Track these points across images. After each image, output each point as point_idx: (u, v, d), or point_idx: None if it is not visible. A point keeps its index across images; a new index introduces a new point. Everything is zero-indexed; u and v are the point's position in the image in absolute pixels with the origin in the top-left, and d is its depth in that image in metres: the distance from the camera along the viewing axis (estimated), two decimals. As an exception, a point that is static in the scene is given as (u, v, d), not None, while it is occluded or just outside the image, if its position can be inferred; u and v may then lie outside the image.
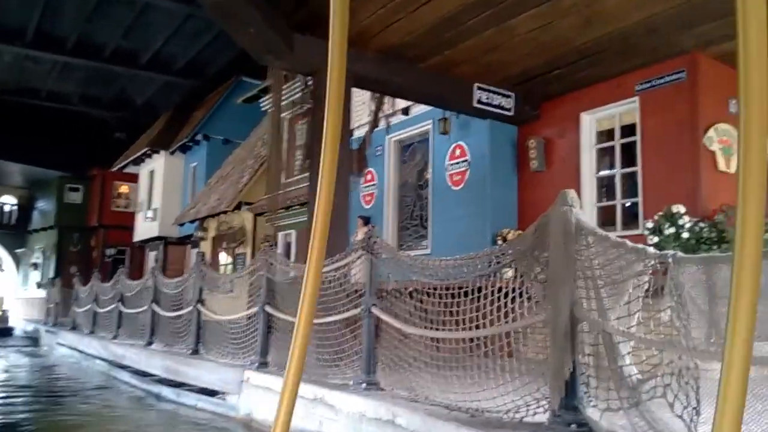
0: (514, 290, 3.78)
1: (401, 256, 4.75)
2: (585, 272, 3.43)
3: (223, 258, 15.33)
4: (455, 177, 9.11)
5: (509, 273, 7.30)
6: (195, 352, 7.97)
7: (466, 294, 4.07)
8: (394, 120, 9.88)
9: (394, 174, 10.55)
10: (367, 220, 9.94)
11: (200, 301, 8.07)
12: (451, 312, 4.22)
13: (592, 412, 3.32)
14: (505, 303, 3.84)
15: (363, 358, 5.00)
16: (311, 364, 5.69)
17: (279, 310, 6.35)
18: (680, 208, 6.33)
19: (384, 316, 4.88)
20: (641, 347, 3.10)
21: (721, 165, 6.91)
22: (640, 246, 3.16)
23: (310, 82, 7.50)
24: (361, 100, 8.85)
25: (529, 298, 3.73)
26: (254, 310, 6.65)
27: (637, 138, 7.47)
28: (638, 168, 7.42)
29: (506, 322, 3.86)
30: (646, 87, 7.37)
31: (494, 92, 8.09)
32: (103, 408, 7.52)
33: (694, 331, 2.88)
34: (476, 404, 3.87)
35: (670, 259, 2.94)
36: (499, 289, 3.88)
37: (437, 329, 4.35)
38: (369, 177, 10.97)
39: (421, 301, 4.46)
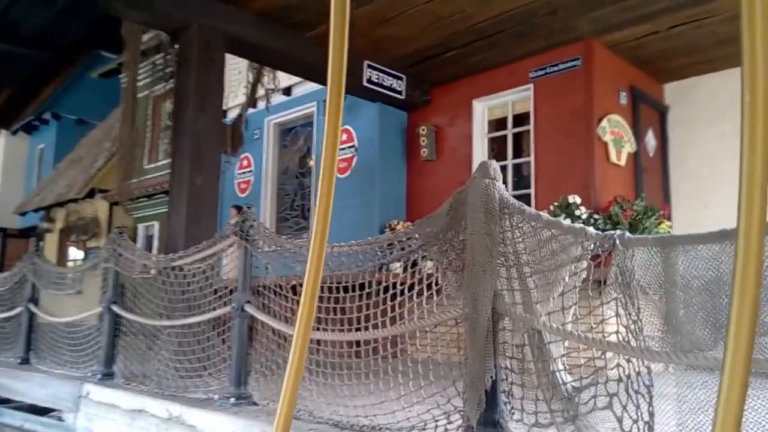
0: (420, 282, 3.13)
1: (284, 243, 3.95)
2: (508, 258, 2.85)
3: (73, 252, 13.50)
4: (341, 164, 8.39)
5: (397, 267, 6.56)
6: (25, 361, 6.60)
7: (361, 287, 3.37)
8: (275, 100, 8.97)
9: (274, 160, 9.65)
10: (241, 210, 8.97)
11: (33, 300, 6.70)
12: (342, 309, 3.50)
13: (516, 428, 2.74)
14: (410, 297, 3.19)
15: (232, 366, 4.13)
16: (167, 375, 4.72)
17: (130, 311, 5.28)
18: (576, 199, 6.06)
19: (260, 316, 4.05)
20: (579, 348, 2.57)
21: (613, 157, 6.78)
22: (579, 226, 2.62)
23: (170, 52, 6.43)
24: (237, 68, 7.86)
25: (439, 291, 3.09)
26: (98, 310, 5.50)
27: (531, 127, 7.19)
28: (531, 158, 7.14)
29: (411, 321, 3.21)
30: (540, 74, 7.10)
31: (385, 72, 7.49)
32: None
33: (646, 328, 2.38)
34: (372, 420, 3.19)
35: (616, 241, 2.41)
36: (402, 282, 3.22)
37: (325, 330, 3.60)
38: (245, 163, 9.96)
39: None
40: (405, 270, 3.28)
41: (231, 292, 4.39)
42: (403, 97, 7.72)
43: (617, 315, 2.41)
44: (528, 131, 7.41)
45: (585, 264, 2.55)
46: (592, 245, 2.51)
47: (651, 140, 7.57)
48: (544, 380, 2.68)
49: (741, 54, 0.60)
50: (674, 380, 2.32)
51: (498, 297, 2.78)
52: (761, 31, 0.60)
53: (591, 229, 2.54)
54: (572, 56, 6.81)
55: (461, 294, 2.95)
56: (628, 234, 2.42)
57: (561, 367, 2.63)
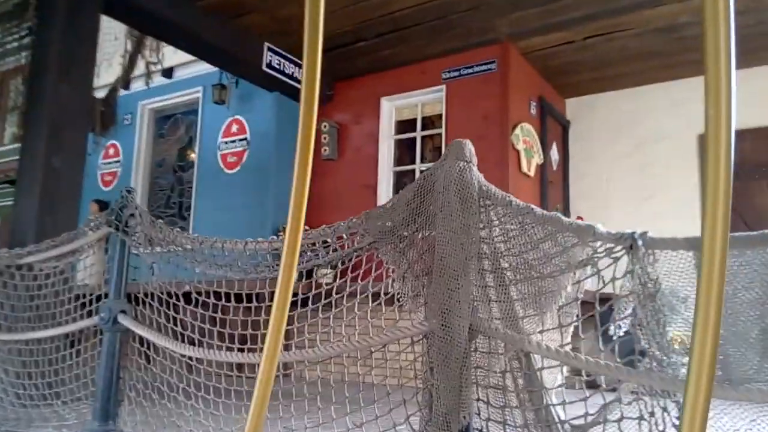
0: (365, 290, 2.48)
1: (177, 238, 3.10)
2: (483, 260, 2.29)
3: None
4: (230, 158, 7.49)
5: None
6: None
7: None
8: (153, 82, 7.86)
9: (147, 150, 8.50)
10: (105, 206, 7.78)
11: None
12: (257, 322, 2.75)
13: (493, 479, 2.16)
14: (354, 306, 2.53)
15: (97, 394, 3.20)
16: (5, 404, 3.65)
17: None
18: (493, 207, 5.70)
19: (140, 330, 3.16)
20: (582, 376, 2.06)
21: (524, 166, 6.56)
22: (584, 223, 2.12)
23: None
24: (113, 34, 6.72)
25: (389, 301, 2.47)
26: None
27: (442, 131, 6.79)
28: (442, 163, 6.72)
29: (349, 340, 2.54)
30: (453, 76, 6.74)
31: (287, 58, 6.76)
32: None
33: (675, 351, 1.91)
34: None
35: (637, 241, 1.93)
36: (339, 290, 2.56)
37: (231, 349, 2.82)
38: (112, 152, 8.70)
39: (207, 307, 2.90)
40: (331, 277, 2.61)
41: (98, 299, 3.46)
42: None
43: (635, 335, 1.92)
44: (435, 135, 7.04)
45: (591, 270, 2.05)
46: (603, 247, 2.01)
47: (555, 153, 7.49)
48: (531, 416, 2.14)
49: (705, 65, 0.58)
50: (712, 418, 1.88)
51: (474, 310, 2.21)
52: (724, 42, 0.58)
53: (600, 227, 2.04)
54: (487, 59, 6.52)
55: (422, 305, 2.34)
56: (650, 233, 1.95)
57: (556, 400, 2.10)
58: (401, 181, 7.16)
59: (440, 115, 6.97)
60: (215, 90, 7.37)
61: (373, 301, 2.52)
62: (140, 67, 6.87)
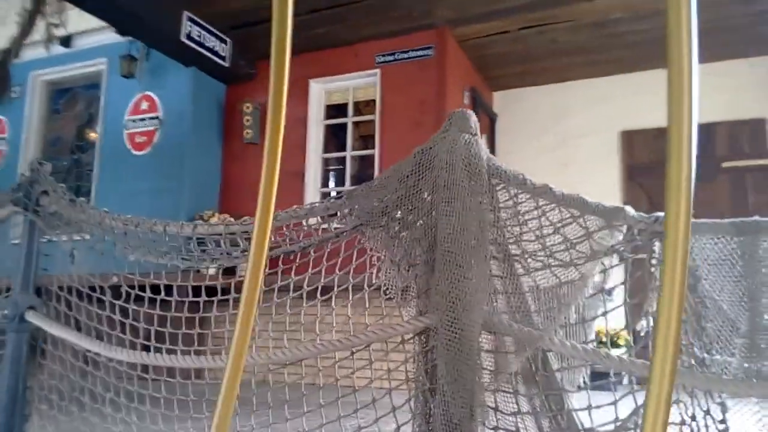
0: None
1: (104, 220, 2.58)
2: (490, 248, 2.02)
3: None
4: (138, 138, 6.79)
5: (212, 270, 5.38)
6: None
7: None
8: (50, 49, 6.97)
9: (39, 127, 7.58)
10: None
11: None
12: (202, 320, 2.34)
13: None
14: (329, 299, 2.19)
15: (0, 404, 2.64)
16: None
17: None
18: (432, 197, 5.49)
19: (53, 329, 2.63)
20: (612, 376, 1.83)
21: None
22: (613, 205, 1.90)
23: None
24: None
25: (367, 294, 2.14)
26: None
27: (376, 117, 6.50)
28: (375, 151, 6.43)
29: (336, 337, 2.19)
30: (389, 60, 6.47)
31: (209, 31, 6.19)
32: None
33: (717, 348, 1.73)
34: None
35: (676, 227, 1.74)
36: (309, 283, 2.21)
37: (173, 351, 2.38)
38: (-4, 128, 7.67)
39: (142, 302, 2.44)
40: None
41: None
42: (226, 64, 6.48)
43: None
44: (362, 123, 6.75)
45: (619, 258, 1.84)
46: (635, 232, 1.80)
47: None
48: (546, 424, 1.89)
49: (668, 57, 0.58)
50: (759, 421, 1.71)
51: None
52: (686, 34, 0.57)
53: (630, 209, 1.84)
54: (424, 44, 6.30)
55: (415, 298, 2.04)
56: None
57: (576, 404, 1.87)
58: (328, 168, 6.80)
59: (369, 102, 6.70)
60: (123, 62, 6.64)
61: (353, 295, 2.19)
62: (34, 34, 6.03)
